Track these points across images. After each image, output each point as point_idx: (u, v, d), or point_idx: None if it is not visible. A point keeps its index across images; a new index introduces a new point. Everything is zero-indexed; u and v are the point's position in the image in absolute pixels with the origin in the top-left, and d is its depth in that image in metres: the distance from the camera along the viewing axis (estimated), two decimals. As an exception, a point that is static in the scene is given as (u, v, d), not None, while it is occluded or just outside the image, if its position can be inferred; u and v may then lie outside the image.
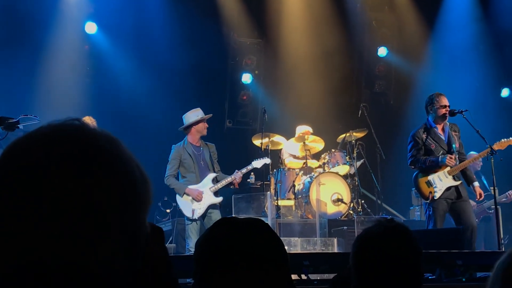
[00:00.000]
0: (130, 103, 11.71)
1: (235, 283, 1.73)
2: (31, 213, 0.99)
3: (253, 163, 9.48)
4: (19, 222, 0.99)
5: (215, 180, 9.11)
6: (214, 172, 9.16)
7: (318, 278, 6.20)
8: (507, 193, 11.26)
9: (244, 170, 9.29)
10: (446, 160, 8.29)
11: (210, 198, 8.99)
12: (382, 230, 2.51)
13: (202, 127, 9.21)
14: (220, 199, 9.10)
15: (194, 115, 9.21)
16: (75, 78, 11.68)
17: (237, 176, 9.14)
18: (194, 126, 9.19)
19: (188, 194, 8.93)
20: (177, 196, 9.08)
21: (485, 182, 10.71)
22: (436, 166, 8.37)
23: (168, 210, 11.38)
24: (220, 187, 9.10)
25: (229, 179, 9.13)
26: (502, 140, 8.58)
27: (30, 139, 1.05)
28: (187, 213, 8.93)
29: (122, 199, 1.03)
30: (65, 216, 0.99)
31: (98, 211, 1.00)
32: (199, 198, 8.90)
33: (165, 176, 9.04)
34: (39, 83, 11.18)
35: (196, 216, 8.88)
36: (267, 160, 9.71)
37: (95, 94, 11.51)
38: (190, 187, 8.96)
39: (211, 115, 9.37)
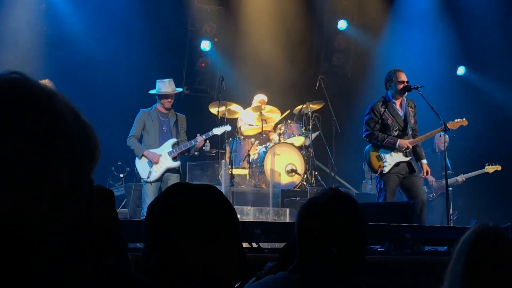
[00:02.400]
0: (87, 64, 11.50)
1: (185, 248, 1.72)
2: None
3: (214, 130, 9.64)
4: None
5: (176, 145, 9.20)
6: (176, 138, 9.22)
7: (269, 247, 6.25)
8: (456, 178, 11.48)
9: (204, 136, 9.39)
10: (403, 148, 8.39)
11: (167, 162, 9.12)
12: (326, 200, 2.50)
13: (164, 99, 9.30)
14: (177, 163, 9.24)
15: (158, 85, 9.33)
16: (31, 37, 11.42)
17: (198, 140, 9.24)
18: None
19: (145, 156, 9.04)
20: (136, 158, 9.24)
21: (448, 162, 10.90)
22: (391, 148, 8.47)
23: (121, 175, 11.32)
24: (179, 151, 9.23)
25: (188, 144, 9.23)
26: (456, 120, 8.72)
27: None
28: (143, 174, 9.09)
29: (56, 152, 1.02)
30: None
31: (32, 164, 0.99)
32: (155, 161, 9.05)
33: (128, 136, 9.21)
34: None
35: (151, 179, 9.06)
36: (227, 128, 9.84)
37: (52, 54, 11.30)
38: (149, 150, 9.09)
39: (170, 92, 9.32)
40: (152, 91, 9.44)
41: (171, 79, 9.50)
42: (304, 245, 2.48)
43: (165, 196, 1.83)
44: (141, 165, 9.18)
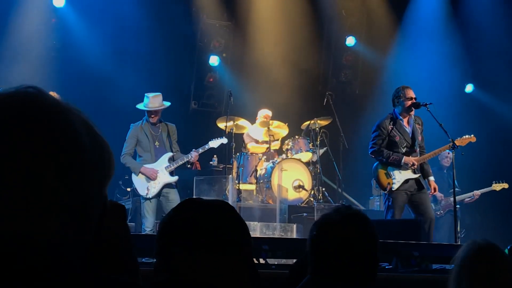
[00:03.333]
0: (96, 79, 11.57)
1: (197, 264, 1.72)
2: None
3: (209, 142, 9.47)
4: None
5: (172, 160, 9.06)
6: (172, 152, 9.11)
7: (276, 263, 6.23)
8: (472, 193, 11.44)
9: (200, 150, 9.26)
10: (408, 165, 8.35)
11: (165, 177, 8.96)
12: (340, 217, 2.49)
13: (149, 115, 9.07)
14: (175, 178, 9.05)
15: (144, 99, 9.09)
16: (41, 51, 11.49)
17: (192, 155, 9.11)
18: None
19: (143, 173, 8.91)
20: (133, 175, 9.06)
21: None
22: (397, 165, 8.43)
23: (128, 189, 11.31)
24: (176, 166, 9.06)
25: (184, 158, 9.11)
26: (464, 136, 8.69)
27: None
28: (142, 191, 8.91)
29: (70, 167, 1.02)
30: (8, 185, 0.97)
31: (45, 179, 0.99)
32: (153, 177, 8.88)
33: (121, 154, 8.97)
34: (2, 55, 10.98)
35: (150, 195, 8.88)
36: (224, 140, 9.70)
37: (61, 68, 11.35)
38: (145, 166, 8.93)
39: (156, 108, 9.10)
40: (139, 105, 9.17)
41: (159, 94, 9.13)
42: (316, 262, 2.47)
43: (177, 211, 1.83)
44: (138, 182, 8.97)
